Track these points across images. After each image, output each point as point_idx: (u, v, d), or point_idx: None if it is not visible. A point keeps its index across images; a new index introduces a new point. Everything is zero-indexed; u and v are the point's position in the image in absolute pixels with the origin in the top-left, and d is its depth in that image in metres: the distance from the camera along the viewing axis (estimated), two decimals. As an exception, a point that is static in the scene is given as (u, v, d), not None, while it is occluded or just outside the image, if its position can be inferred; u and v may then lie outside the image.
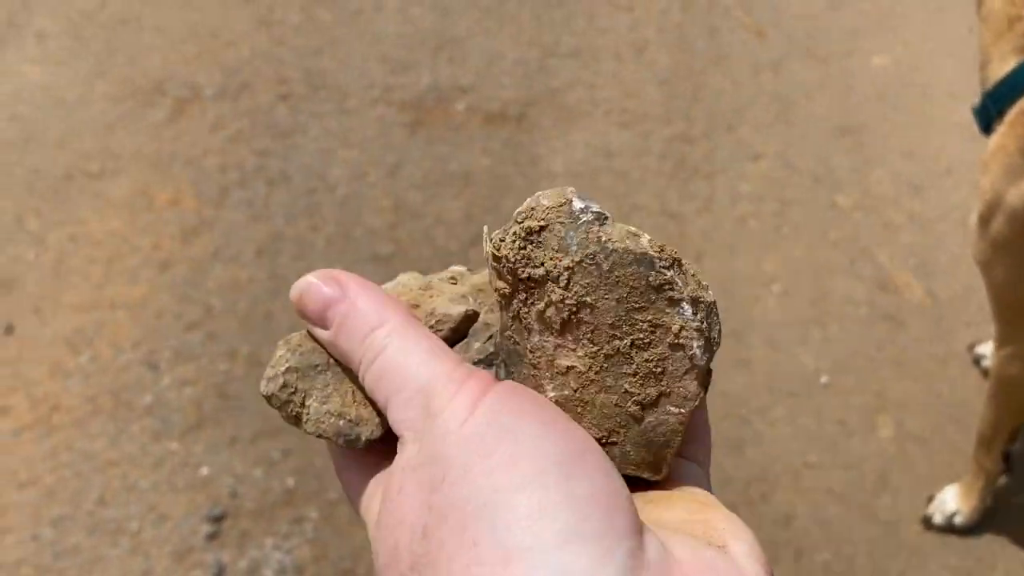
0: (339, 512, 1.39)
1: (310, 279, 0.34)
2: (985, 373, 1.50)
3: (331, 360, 0.34)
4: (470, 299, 0.36)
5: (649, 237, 0.30)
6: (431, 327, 0.34)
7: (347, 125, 1.93)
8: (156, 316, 1.60)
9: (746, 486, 1.43)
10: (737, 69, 2.06)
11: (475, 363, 0.34)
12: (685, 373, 0.30)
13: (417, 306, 0.36)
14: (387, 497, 0.31)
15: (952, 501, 1.36)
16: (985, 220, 1.09)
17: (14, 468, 1.43)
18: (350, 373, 0.34)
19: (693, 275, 0.31)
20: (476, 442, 0.28)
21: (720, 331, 0.31)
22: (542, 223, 0.30)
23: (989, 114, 1.11)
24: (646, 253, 0.30)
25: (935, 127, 1.93)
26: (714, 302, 0.31)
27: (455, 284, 0.37)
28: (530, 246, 0.30)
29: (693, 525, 0.29)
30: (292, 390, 0.34)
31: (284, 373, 0.34)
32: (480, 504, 0.27)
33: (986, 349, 1.53)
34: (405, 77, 2.02)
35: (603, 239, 0.30)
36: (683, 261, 0.31)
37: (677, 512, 0.31)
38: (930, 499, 1.40)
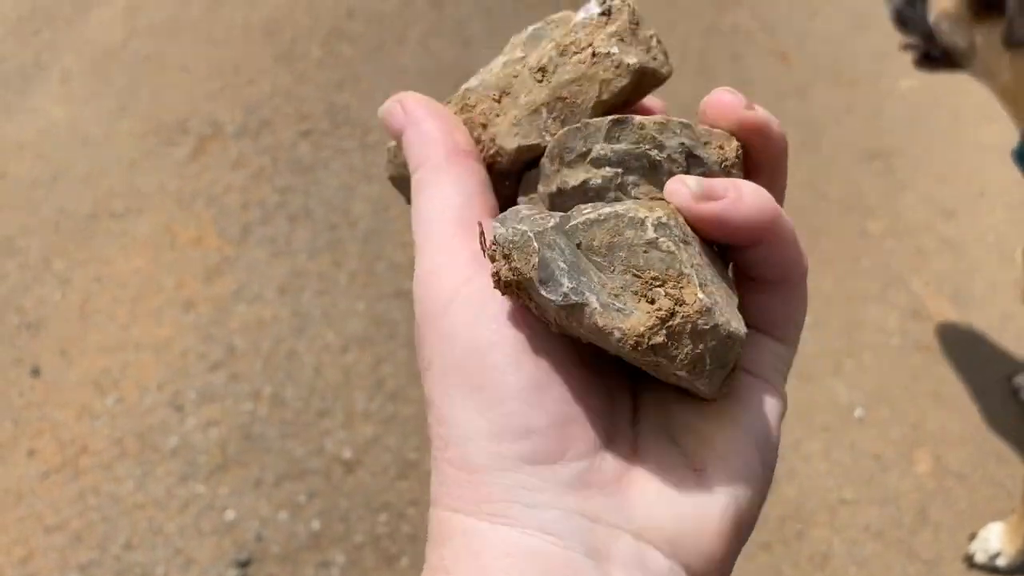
0: (365, 556, 1.37)
1: (389, 104, 0.37)
2: (1025, 404, 1.46)
3: None
4: (543, 114, 0.36)
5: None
6: (490, 155, 0.36)
7: (369, 160, 1.92)
8: (180, 356, 1.60)
9: (781, 524, 1.40)
10: (762, 95, 2.04)
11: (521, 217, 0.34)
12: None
13: (500, 99, 0.37)
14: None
15: (996, 540, 1.32)
16: None
17: (41, 511, 1.42)
18: None
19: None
20: (447, 344, 0.31)
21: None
22: None
23: None
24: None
25: (966, 149, 1.90)
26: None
27: (540, 81, 0.36)
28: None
29: (693, 441, 0.31)
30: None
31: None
32: (446, 421, 0.31)
33: (1025, 379, 1.49)
34: (427, 109, 2.02)
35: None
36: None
37: (699, 426, 0.32)
38: (972, 536, 1.36)
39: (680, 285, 0.29)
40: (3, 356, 1.60)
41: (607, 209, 0.31)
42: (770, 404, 0.33)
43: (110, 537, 1.39)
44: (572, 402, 0.31)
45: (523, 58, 0.37)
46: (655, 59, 0.36)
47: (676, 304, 0.29)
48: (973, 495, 1.42)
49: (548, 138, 0.36)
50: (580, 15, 0.36)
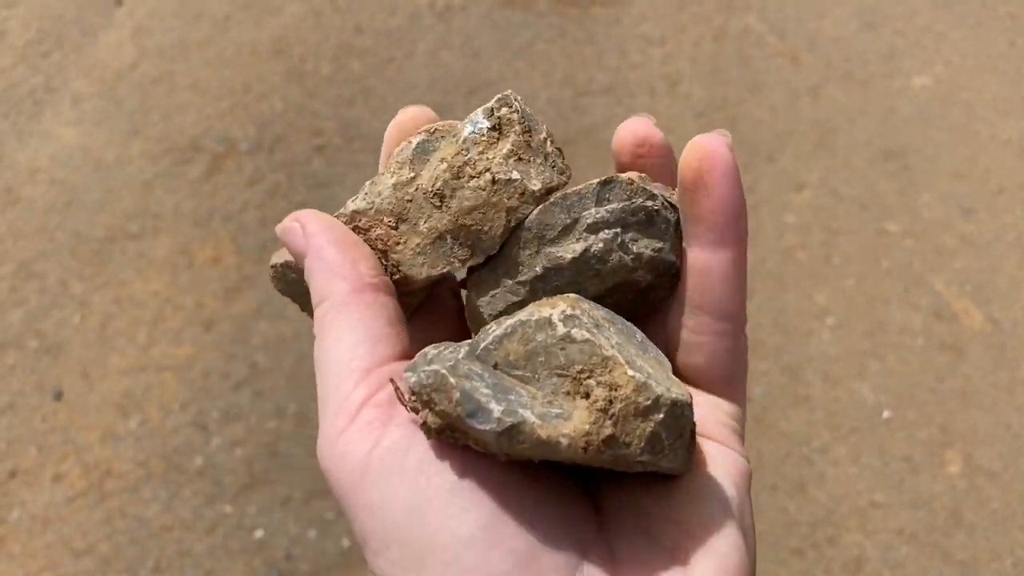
0: (397, 572, 1.36)
1: (288, 223, 0.35)
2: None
3: None
4: (448, 241, 0.35)
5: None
6: (394, 279, 0.35)
7: (384, 173, 1.92)
8: (203, 376, 1.59)
9: (812, 529, 1.39)
10: (774, 97, 2.03)
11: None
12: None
13: (397, 225, 0.35)
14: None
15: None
16: None
17: (69, 536, 1.42)
18: None
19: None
20: (376, 518, 0.29)
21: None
22: None
23: None
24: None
25: (982, 146, 1.89)
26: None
27: (438, 207, 0.35)
28: None
29: (671, 531, 0.29)
30: None
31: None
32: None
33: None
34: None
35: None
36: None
37: (672, 513, 0.30)
38: None
39: (608, 369, 0.28)
40: (25, 381, 1.60)
41: (510, 321, 0.30)
42: (736, 468, 0.32)
43: (139, 560, 1.39)
44: (533, 528, 0.28)
45: (413, 179, 0.35)
46: (556, 169, 0.35)
47: (611, 390, 0.28)
48: (1006, 494, 1.41)
49: (458, 264, 0.35)
50: (467, 129, 0.35)
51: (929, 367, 1.56)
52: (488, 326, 0.31)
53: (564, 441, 0.27)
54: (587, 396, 0.28)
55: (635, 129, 0.35)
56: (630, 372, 0.28)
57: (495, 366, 0.29)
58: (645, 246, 0.33)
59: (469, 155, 0.34)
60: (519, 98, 0.36)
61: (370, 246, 0.36)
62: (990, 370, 1.55)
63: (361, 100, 2.07)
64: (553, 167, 0.35)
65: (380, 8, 2.28)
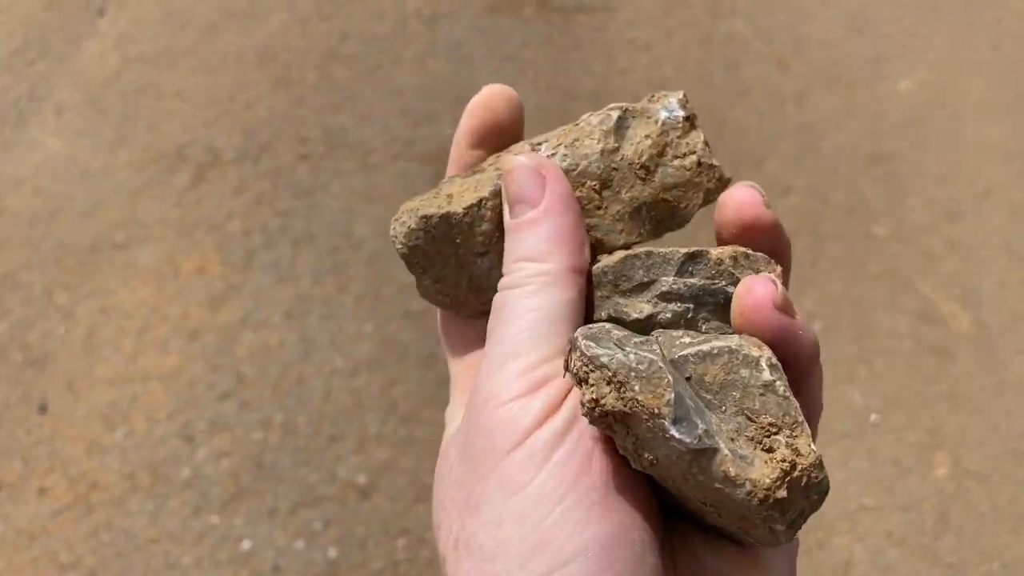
0: (385, 582, 1.35)
1: (528, 164, 0.35)
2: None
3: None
4: (643, 213, 0.37)
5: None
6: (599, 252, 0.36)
7: (370, 181, 1.91)
8: (189, 386, 1.58)
9: (802, 534, 1.38)
10: (761, 102, 2.03)
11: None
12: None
13: (601, 191, 0.37)
14: (439, 473, 0.32)
15: None
16: None
17: (55, 550, 1.40)
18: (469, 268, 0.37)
19: None
20: (507, 493, 0.28)
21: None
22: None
23: None
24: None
25: (968, 149, 1.90)
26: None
27: (643, 179, 0.37)
28: None
29: None
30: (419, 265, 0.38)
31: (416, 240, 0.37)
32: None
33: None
34: (426, 130, 2.01)
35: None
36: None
37: None
38: None
39: (795, 434, 0.28)
40: (10, 393, 1.59)
41: (718, 343, 0.29)
42: (792, 544, 0.32)
43: (126, 573, 1.38)
44: (642, 560, 0.28)
45: (617, 149, 0.37)
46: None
47: (796, 455, 0.27)
48: (994, 496, 1.41)
49: (644, 237, 0.37)
50: (663, 113, 0.37)
51: (917, 370, 1.56)
52: (675, 332, 0.31)
53: (747, 487, 0.27)
54: (770, 451, 0.27)
55: (742, 207, 0.34)
56: (813, 445, 0.28)
57: (688, 379, 0.29)
58: (715, 328, 0.32)
59: (670, 137, 0.37)
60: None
61: None
62: (978, 373, 1.55)
63: (347, 108, 2.07)
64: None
65: (367, 15, 2.28)
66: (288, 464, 1.48)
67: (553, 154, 0.37)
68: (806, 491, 0.27)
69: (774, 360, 0.29)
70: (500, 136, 0.40)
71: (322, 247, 1.80)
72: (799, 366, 0.30)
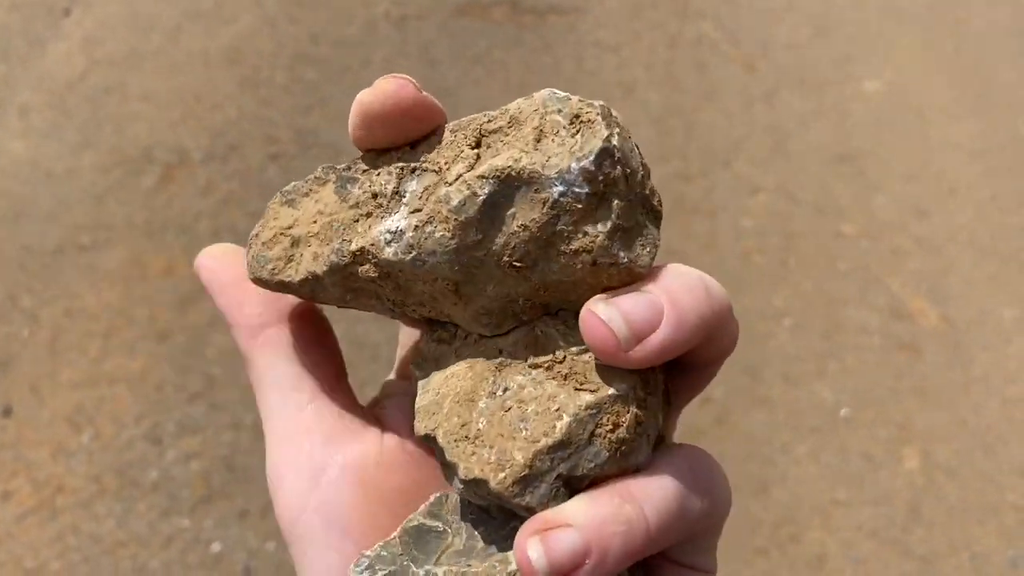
0: (358, 583, 1.34)
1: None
2: None
3: None
4: (521, 304, 0.31)
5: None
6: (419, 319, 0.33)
7: (341, 182, 1.90)
8: (157, 389, 1.56)
9: (775, 528, 1.39)
10: (729, 103, 2.05)
11: None
12: None
13: (456, 290, 0.31)
14: None
15: None
16: None
17: (20, 554, 1.38)
18: None
19: None
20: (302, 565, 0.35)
21: None
22: None
23: None
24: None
25: (934, 148, 1.92)
26: None
27: (515, 276, 0.30)
28: None
29: None
30: None
31: None
32: None
33: None
34: (396, 130, 2.00)
35: None
36: None
37: None
38: None
39: None
40: (-28, 397, 1.55)
41: None
42: None
43: (92, 578, 1.35)
44: None
45: (481, 241, 0.29)
46: (654, 216, 0.30)
47: None
48: (963, 489, 1.42)
49: (525, 319, 0.31)
50: (556, 188, 0.28)
51: (886, 366, 1.57)
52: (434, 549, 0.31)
53: None
54: None
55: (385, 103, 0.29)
56: None
57: None
58: (520, 520, 0.31)
59: (559, 225, 0.28)
60: (618, 129, 0.29)
61: (411, 293, 0.31)
62: (946, 368, 1.57)
63: (317, 109, 2.06)
64: (653, 216, 0.30)
65: (335, 17, 2.27)
66: (259, 465, 1.46)
67: (394, 236, 0.29)
68: None
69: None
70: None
71: (292, 248, 1.78)
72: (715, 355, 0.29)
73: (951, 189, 1.84)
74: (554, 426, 0.28)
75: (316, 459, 0.32)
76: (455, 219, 0.29)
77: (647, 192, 0.29)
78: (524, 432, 0.28)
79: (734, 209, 1.82)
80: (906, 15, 2.24)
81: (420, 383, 0.32)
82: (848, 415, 1.51)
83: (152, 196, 1.88)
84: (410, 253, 0.29)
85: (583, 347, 0.29)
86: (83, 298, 1.70)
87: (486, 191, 0.28)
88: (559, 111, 0.29)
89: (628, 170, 0.28)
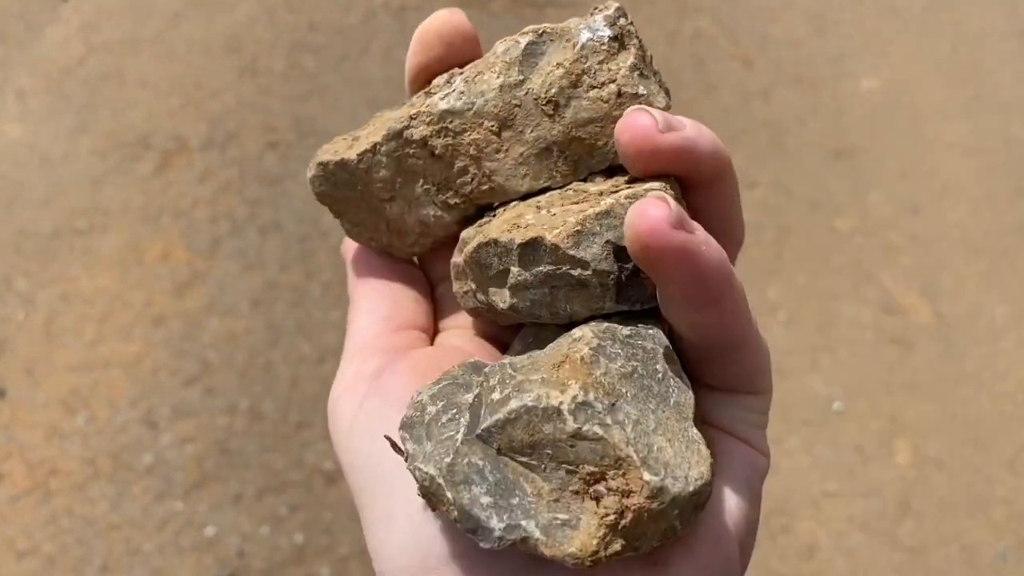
0: (351, 568, 1.34)
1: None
2: None
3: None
4: (554, 153, 0.33)
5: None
6: (480, 191, 0.35)
7: (338, 170, 1.90)
8: (152, 373, 1.56)
9: (766, 519, 1.40)
10: (727, 98, 2.06)
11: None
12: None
13: (500, 132, 0.33)
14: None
15: None
16: None
17: (12, 536, 1.38)
18: None
19: None
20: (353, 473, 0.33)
21: None
22: None
23: None
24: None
25: (928, 146, 1.94)
26: None
27: (551, 115, 0.33)
28: None
29: None
30: None
31: None
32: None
33: None
34: (394, 120, 2.01)
35: None
36: None
37: None
38: None
39: (622, 471, 0.26)
40: (-33, 378, 1.56)
41: (515, 404, 0.27)
42: (751, 470, 0.31)
43: (85, 560, 1.35)
44: None
45: (523, 82, 0.32)
46: (668, 96, 0.33)
47: (623, 497, 0.25)
48: (953, 482, 1.43)
49: (559, 179, 0.33)
50: (584, 34, 0.32)
51: (879, 360, 1.58)
52: (493, 388, 0.28)
53: (569, 562, 0.25)
54: (597, 500, 0.26)
55: (635, 139, 0.30)
56: (646, 476, 0.25)
57: (499, 450, 0.27)
58: (581, 305, 0.30)
59: (588, 63, 0.32)
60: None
61: (458, 151, 0.33)
62: (937, 363, 1.58)
63: (316, 97, 2.06)
64: (664, 88, 0.33)
65: (334, 6, 2.27)
66: (254, 450, 1.46)
67: (449, 93, 0.33)
68: (655, 520, 0.26)
69: (582, 396, 0.26)
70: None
71: (290, 235, 1.79)
72: (708, 287, 0.28)
73: (944, 187, 1.86)
74: (599, 203, 0.30)
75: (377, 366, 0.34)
76: (501, 61, 0.33)
77: (656, 70, 0.33)
78: (571, 214, 0.30)
79: (730, 203, 1.83)
80: (902, 15, 2.25)
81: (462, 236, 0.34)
82: (840, 408, 1.52)
83: (149, 182, 1.88)
84: (461, 99, 0.33)
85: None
86: (79, 282, 1.70)
87: (526, 40, 0.33)
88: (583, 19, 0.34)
89: (640, 40, 0.33)
